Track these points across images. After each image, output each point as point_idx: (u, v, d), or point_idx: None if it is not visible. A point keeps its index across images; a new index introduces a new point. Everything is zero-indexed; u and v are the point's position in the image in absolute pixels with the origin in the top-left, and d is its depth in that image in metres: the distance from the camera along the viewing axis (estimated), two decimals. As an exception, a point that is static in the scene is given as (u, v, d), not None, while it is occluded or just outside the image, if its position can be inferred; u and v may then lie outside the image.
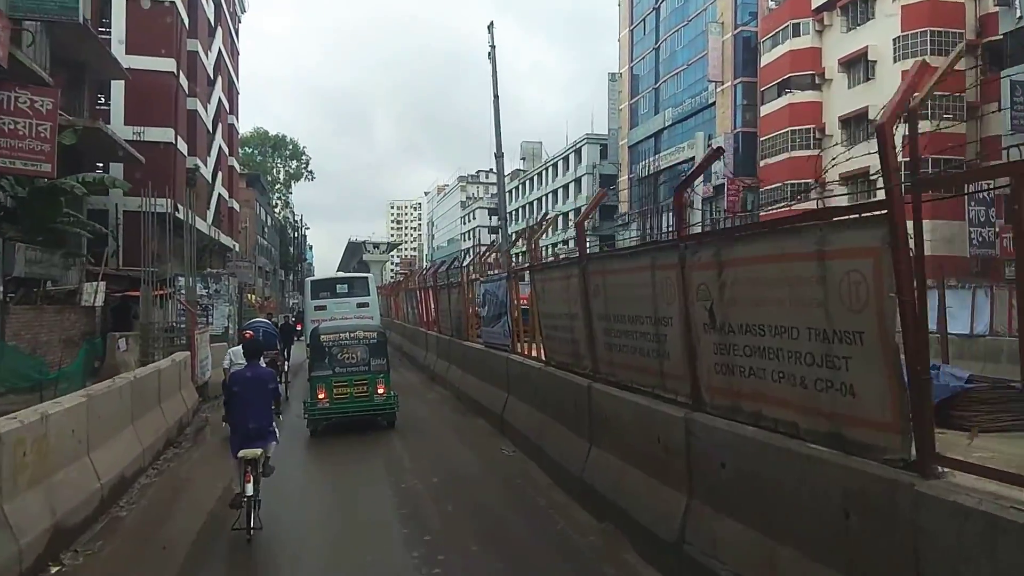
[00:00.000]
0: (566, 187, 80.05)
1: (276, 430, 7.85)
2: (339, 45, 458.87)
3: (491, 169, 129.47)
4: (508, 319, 13.03)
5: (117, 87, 30.42)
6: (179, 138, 33.76)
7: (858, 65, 40.17)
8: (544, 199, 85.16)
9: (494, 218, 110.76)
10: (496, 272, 16.46)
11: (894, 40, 37.31)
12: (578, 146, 76.24)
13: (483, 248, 34.69)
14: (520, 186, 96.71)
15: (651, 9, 60.50)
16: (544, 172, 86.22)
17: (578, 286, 8.68)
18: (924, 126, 4.48)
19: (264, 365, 8.32)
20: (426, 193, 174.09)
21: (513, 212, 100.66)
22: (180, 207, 28.83)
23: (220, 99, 48.35)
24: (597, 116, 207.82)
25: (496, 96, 41.79)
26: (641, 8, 62.56)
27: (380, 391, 12.14)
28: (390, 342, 15.00)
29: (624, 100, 65.64)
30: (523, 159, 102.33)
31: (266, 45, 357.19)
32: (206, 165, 42.37)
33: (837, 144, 38.84)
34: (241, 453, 7.23)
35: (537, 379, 10.66)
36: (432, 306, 21.61)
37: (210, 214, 43.17)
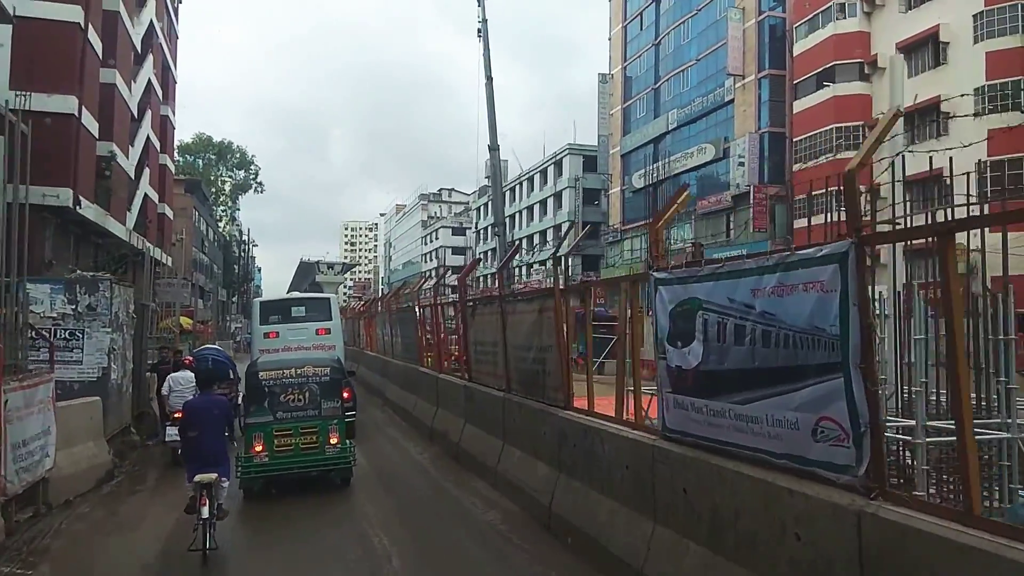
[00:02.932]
0: (543, 202, 73.07)
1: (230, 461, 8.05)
2: (295, 62, 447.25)
3: (453, 189, 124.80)
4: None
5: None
6: (85, 112, 25.47)
7: (923, 49, 34.01)
8: (518, 216, 77.97)
9: (458, 238, 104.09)
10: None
11: (975, 16, 31.13)
12: (559, 157, 69.37)
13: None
14: (489, 203, 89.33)
15: (649, 2, 54.17)
16: (517, 187, 79.06)
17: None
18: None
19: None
20: (382, 214, 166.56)
21: (482, 232, 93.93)
22: (83, 200, 20.95)
23: (151, 81, 40.21)
24: (582, 125, 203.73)
25: (490, 78, 34.66)
26: (637, 1, 56.19)
27: (333, 441, 10.36)
28: (362, 381, 12.53)
29: (616, 104, 59.00)
30: (487, 177, 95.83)
31: (218, 58, 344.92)
32: (127, 156, 34.02)
33: (897, 137, 32.51)
34: (197, 477, 7.53)
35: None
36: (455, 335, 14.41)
37: (131, 217, 34.77)
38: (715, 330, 4.81)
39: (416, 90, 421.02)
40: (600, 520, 6.45)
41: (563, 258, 8.49)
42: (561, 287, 7.81)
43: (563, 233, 52.77)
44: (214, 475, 7.57)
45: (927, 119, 33.43)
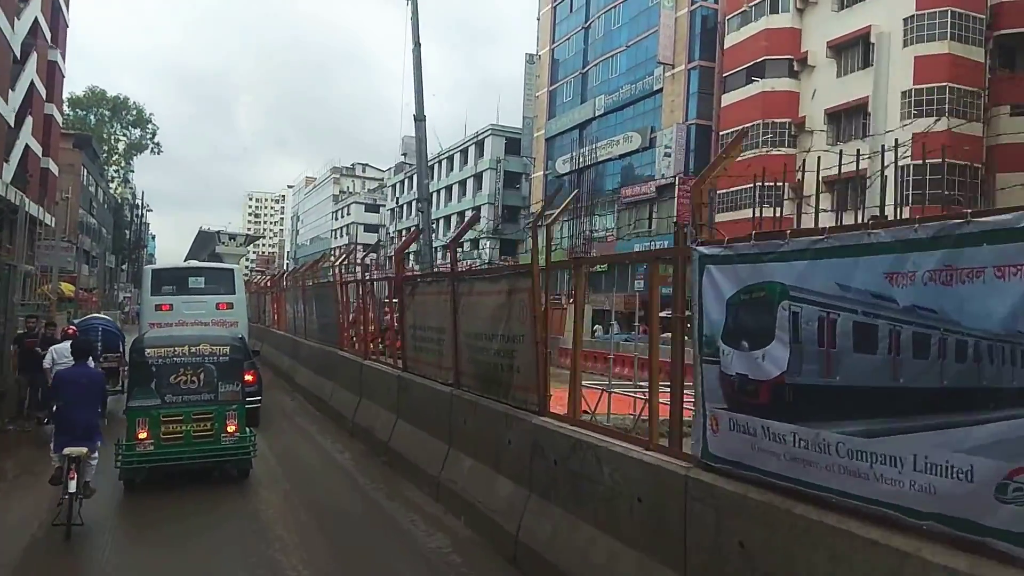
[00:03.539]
0: (463, 183, 71.24)
1: (101, 438, 7.77)
2: (203, 23, 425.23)
3: (367, 164, 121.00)
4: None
5: None
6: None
7: (853, 49, 34.16)
8: (436, 196, 75.77)
9: (371, 215, 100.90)
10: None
11: (906, 20, 31.34)
12: (480, 137, 67.63)
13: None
14: (406, 180, 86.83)
15: (581, -18, 53.07)
16: (436, 166, 76.82)
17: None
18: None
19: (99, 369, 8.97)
20: (290, 186, 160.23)
21: (396, 210, 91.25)
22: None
23: (38, 21, 36.31)
24: (505, 108, 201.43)
25: (417, 43, 32.76)
26: (568, -19, 55.01)
27: (231, 429, 9.08)
28: (267, 363, 11.73)
29: (542, 86, 57.71)
30: (404, 155, 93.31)
31: (117, 12, 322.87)
32: (5, 101, 30.41)
33: (822, 136, 32.56)
34: (67, 450, 7.22)
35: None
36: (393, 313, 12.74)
37: (8, 169, 31.19)
38: (814, 328, 3.45)
39: (332, 61, 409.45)
40: (595, 562, 5.03)
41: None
42: (541, 265, 6.32)
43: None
44: (83, 449, 7.30)
45: (854, 121, 33.65)
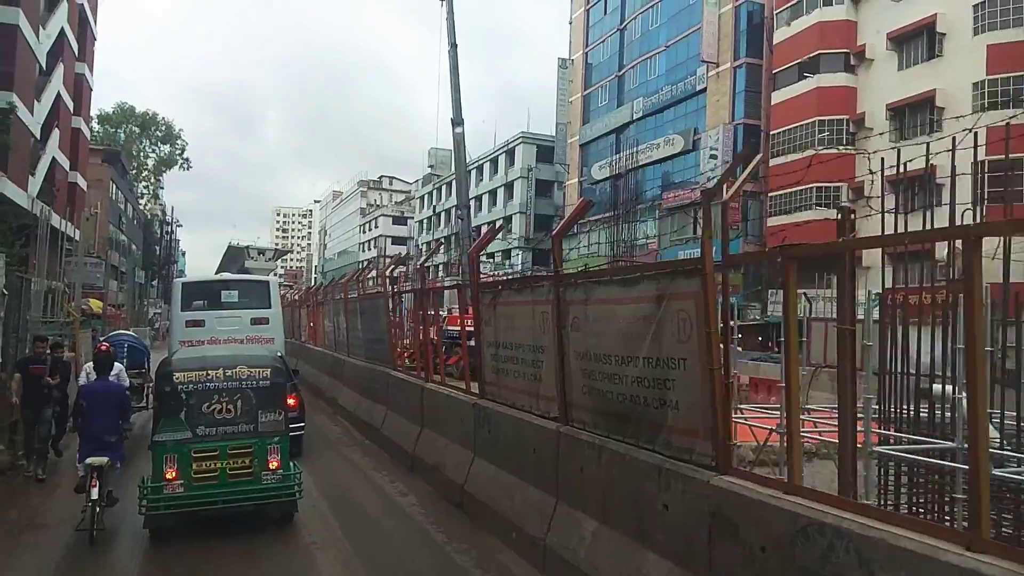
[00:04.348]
0: (493, 193, 69.60)
1: (123, 448, 8.12)
2: (229, 40, 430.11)
3: (394, 177, 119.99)
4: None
5: None
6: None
7: (916, 40, 32.10)
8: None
9: (399, 227, 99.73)
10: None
11: (976, 7, 29.28)
12: (511, 146, 66.02)
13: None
14: (434, 192, 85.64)
15: (615, -15, 51.50)
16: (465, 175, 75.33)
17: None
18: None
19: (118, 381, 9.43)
20: (317, 201, 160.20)
21: (424, 222, 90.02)
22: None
23: (65, 32, 35.41)
24: (537, 111, 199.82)
25: (454, 44, 31.21)
26: (602, -17, 53.43)
27: (272, 466, 7.79)
28: (305, 383, 12.24)
29: (576, 91, 56.07)
30: (431, 166, 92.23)
31: (144, 30, 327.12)
32: (31, 112, 29.34)
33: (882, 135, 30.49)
34: (88, 460, 7.48)
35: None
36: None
37: (34, 183, 30.11)
38: None
39: (356, 75, 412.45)
40: None
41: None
42: (717, 261, 4.56)
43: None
44: (105, 459, 7.58)
45: (919, 116, 31.57)
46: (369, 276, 16.16)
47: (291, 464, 8.08)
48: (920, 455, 7.25)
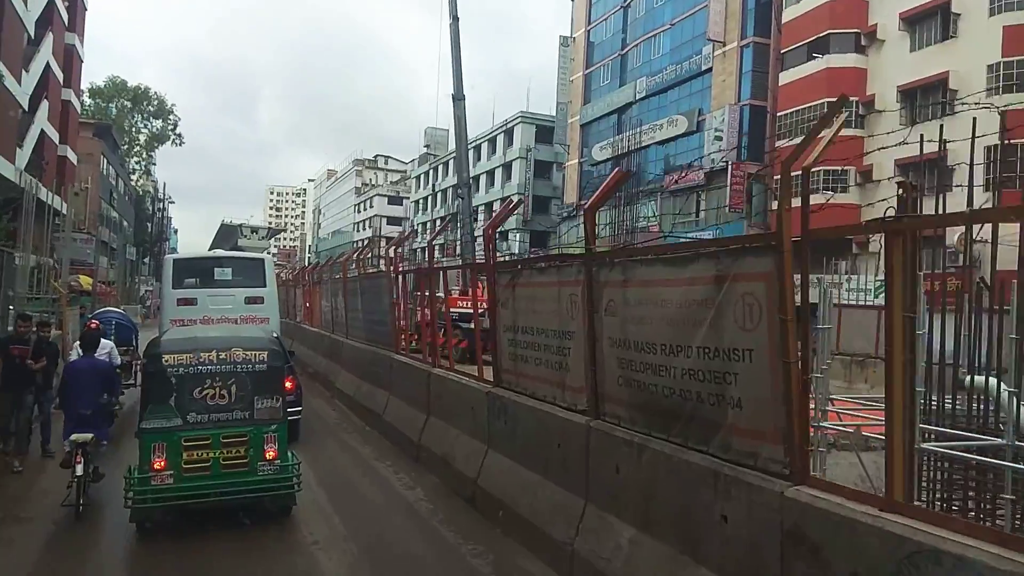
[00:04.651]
0: (491, 173, 68.68)
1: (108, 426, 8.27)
2: (223, 15, 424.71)
3: (390, 156, 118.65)
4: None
5: None
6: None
7: (929, 20, 31.28)
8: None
9: (395, 207, 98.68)
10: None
11: (992, -14, 28.50)
12: (510, 125, 65.06)
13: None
14: (431, 171, 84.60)
15: (619, -38, 50.37)
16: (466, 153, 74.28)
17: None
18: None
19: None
20: (311, 179, 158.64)
21: (420, 202, 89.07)
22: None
23: (53, 0, 34.34)
24: (537, 91, 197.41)
25: (455, 17, 30.28)
26: (606, -41, 52.28)
27: (269, 455, 7.30)
28: (301, 364, 12.42)
29: (578, 70, 55.09)
30: (427, 146, 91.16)
31: (143, 4, 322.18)
32: (19, 82, 28.43)
33: (894, 115, 29.78)
34: (73, 436, 7.56)
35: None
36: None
37: (22, 155, 29.24)
38: None
39: (353, 55, 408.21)
40: None
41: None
42: (795, 236, 3.91)
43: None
44: (89, 435, 7.65)
45: (931, 99, 30.86)
46: (372, 254, 15.43)
47: (289, 454, 7.54)
48: (964, 452, 6.68)
